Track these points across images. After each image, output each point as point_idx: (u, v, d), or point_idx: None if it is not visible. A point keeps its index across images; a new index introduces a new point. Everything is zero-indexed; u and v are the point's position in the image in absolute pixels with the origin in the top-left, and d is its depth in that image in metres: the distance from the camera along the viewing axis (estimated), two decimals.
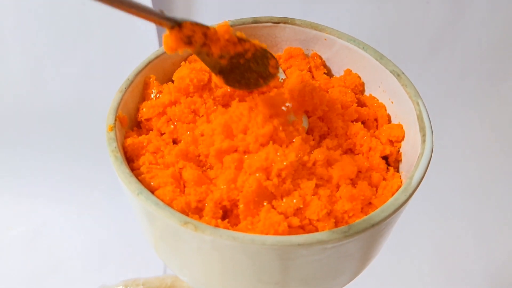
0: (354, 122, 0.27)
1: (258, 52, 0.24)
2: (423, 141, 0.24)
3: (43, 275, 0.56)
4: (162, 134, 0.27)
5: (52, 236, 0.60)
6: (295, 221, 0.22)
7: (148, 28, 0.61)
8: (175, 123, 0.26)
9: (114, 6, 0.18)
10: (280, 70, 0.29)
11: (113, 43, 0.62)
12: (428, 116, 0.25)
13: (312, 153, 0.24)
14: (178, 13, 0.58)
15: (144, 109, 0.27)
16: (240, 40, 0.23)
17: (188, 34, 0.21)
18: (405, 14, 0.61)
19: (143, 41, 0.62)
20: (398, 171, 0.27)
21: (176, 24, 0.20)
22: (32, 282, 0.56)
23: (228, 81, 0.24)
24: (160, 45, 0.30)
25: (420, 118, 0.25)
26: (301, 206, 0.23)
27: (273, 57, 0.25)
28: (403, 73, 0.27)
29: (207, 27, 0.22)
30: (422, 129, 0.25)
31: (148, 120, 0.27)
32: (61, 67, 0.66)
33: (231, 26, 0.30)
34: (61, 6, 0.60)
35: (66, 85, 0.66)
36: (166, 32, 0.20)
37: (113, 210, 0.62)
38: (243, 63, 0.24)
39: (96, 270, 0.57)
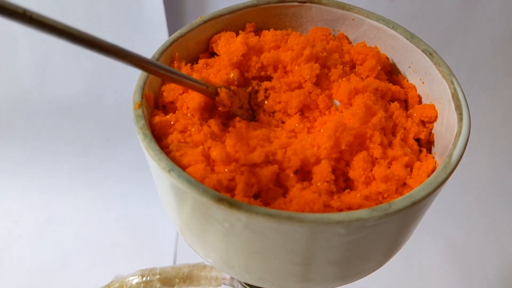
0: (391, 102, 0.26)
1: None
2: (460, 119, 0.23)
3: (56, 267, 0.56)
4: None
5: (62, 228, 0.60)
6: (330, 200, 0.22)
7: (158, 21, 0.60)
8: None
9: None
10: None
11: (122, 36, 0.62)
12: (464, 94, 0.24)
13: None
14: None
15: (164, 93, 0.26)
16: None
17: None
18: (417, 7, 0.60)
19: (153, 34, 0.61)
20: (430, 153, 0.26)
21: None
22: (45, 274, 0.55)
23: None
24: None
25: (455, 97, 0.24)
26: (334, 190, 0.23)
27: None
28: (435, 52, 0.27)
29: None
30: (458, 107, 0.24)
31: (172, 103, 0.26)
32: (70, 60, 0.65)
33: (256, 5, 0.30)
34: None
35: (74, 78, 0.66)
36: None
37: (122, 201, 0.62)
38: None
39: (108, 262, 0.57)
